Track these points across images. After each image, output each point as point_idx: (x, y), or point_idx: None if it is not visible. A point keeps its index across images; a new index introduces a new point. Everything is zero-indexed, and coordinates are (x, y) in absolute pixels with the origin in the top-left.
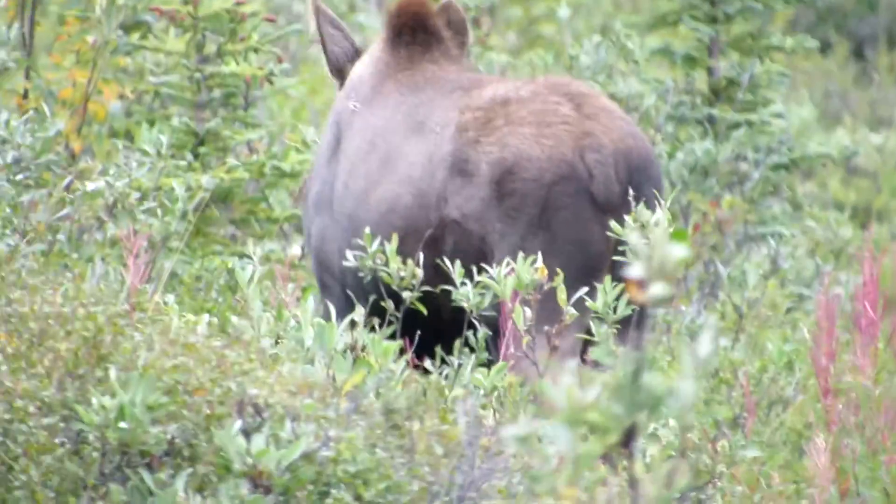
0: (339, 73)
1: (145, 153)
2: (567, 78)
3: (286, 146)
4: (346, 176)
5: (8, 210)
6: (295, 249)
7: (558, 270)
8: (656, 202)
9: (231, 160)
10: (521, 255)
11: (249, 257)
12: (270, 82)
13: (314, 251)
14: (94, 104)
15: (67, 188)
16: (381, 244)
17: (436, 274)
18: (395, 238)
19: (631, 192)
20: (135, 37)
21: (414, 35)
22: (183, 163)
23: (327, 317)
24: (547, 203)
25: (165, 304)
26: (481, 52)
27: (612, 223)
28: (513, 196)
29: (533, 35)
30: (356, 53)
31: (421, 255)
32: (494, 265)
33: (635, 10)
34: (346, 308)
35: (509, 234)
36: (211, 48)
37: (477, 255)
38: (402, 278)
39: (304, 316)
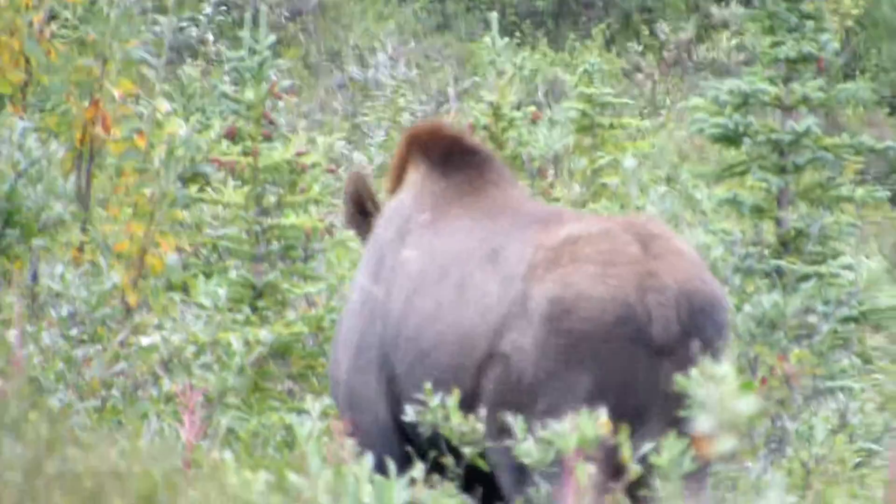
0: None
1: (202, 307)
2: (646, 218)
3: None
4: (407, 296)
5: (61, 365)
6: None
7: (622, 427)
8: (718, 347)
9: (289, 314)
10: (583, 409)
11: (308, 413)
12: (330, 234)
13: (346, 388)
14: (151, 257)
15: (122, 343)
16: (442, 400)
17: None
18: (456, 393)
19: (692, 337)
20: (193, 189)
21: (464, 159)
22: (240, 316)
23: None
24: (601, 344)
25: (222, 460)
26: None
27: (673, 373)
28: (569, 335)
29: (598, 185)
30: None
31: (483, 411)
32: (539, 405)
33: (702, 160)
34: (381, 447)
35: (558, 374)
36: (270, 200)
37: (515, 391)
38: (462, 433)
39: (363, 473)
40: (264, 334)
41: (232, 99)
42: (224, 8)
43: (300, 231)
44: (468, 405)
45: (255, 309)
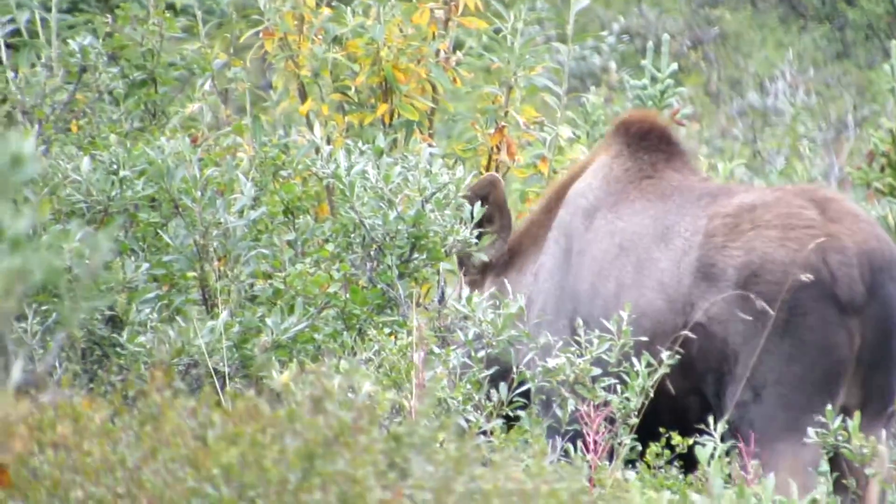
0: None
1: (606, 330)
2: (814, 185)
3: None
4: (593, 278)
5: (468, 387)
6: None
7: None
8: None
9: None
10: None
11: (710, 434)
12: None
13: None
14: None
15: (528, 364)
16: (844, 421)
17: (683, 378)
18: (857, 415)
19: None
20: None
21: (656, 145)
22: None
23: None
24: (792, 306)
25: (626, 480)
26: None
27: (864, 333)
28: (759, 299)
29: None
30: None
31: None
32: (739, 370)
33: None
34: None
35: (753, 338)
36: None
37: (719, 358)
38: (863, 454)
39: (766, 493)
40: (666, 355)
41: None
42: (626, 37)
43: None
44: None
45: None
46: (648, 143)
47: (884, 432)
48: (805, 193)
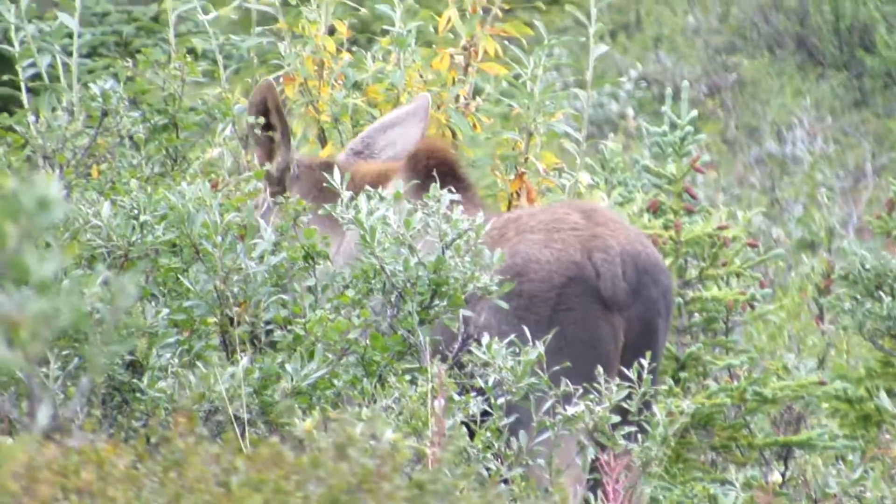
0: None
1: (625, 378)
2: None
3: (765, 371)
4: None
5: (488, 434)
6: (775, 476)
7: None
8: (661, 310)
9: (711, 385)
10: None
11: (731, 483)
12: (751, 307)
13: None
14: None
15: (548, 412)
16: None
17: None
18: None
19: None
20: None
21: (443, 180)
22: (664, 387)
23: None
24: (556, 304)
25: None
26: None
27: (628, 329)
28: (521, 297)
29: None
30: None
31: None
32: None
33: None
34: None
35: (520, 336)
36: (692, 272)
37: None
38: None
39: None
40: (687, 405)
41: (653, 173)
42: (643, 83)
43: (722, 304)
44: None
45: (677, 380)
46: (439, 178)
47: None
48: (571, 204)
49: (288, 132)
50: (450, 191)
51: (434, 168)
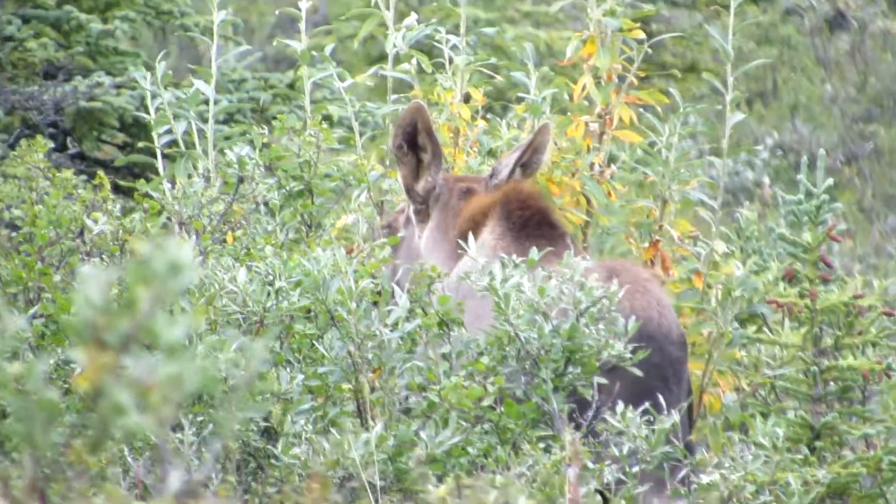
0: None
1: (760, 446)
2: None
3: None
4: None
5: (622, 503)
6: None
7: None
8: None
9: (847, 454)
10: None
11: None
12: (888, 376)
13: None
14: (710, 396)
15: (681, 481)
16: None
17: None
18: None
19: None
20: (751, 329)
21: (539, 229)
22: (799, 456)
23: None
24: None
25: None
26: None
27: None
28: None
29: None
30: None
31: None
32: None
33: None
34: None
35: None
36: (828, 341)
37: None
38: None
39: None
40: (822, 474)
41: (789, 241)
42: (779, 151)
43: (858, 373)
44: None
45: (812, 449)
46: (535, 226)
47: None
48: (602, 265)
49: (440, 152)
50: (544, 237)
51: (528, 219)
